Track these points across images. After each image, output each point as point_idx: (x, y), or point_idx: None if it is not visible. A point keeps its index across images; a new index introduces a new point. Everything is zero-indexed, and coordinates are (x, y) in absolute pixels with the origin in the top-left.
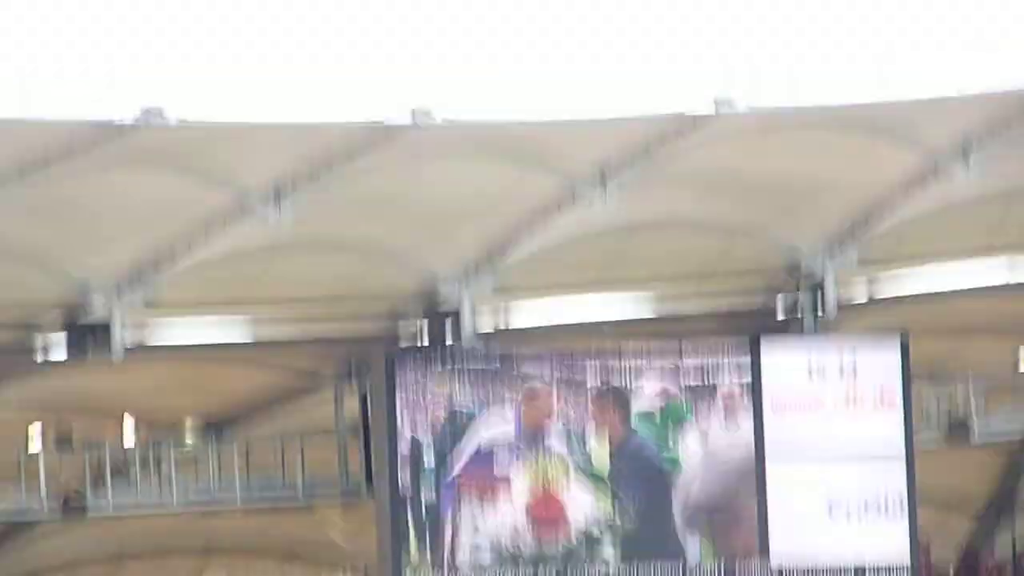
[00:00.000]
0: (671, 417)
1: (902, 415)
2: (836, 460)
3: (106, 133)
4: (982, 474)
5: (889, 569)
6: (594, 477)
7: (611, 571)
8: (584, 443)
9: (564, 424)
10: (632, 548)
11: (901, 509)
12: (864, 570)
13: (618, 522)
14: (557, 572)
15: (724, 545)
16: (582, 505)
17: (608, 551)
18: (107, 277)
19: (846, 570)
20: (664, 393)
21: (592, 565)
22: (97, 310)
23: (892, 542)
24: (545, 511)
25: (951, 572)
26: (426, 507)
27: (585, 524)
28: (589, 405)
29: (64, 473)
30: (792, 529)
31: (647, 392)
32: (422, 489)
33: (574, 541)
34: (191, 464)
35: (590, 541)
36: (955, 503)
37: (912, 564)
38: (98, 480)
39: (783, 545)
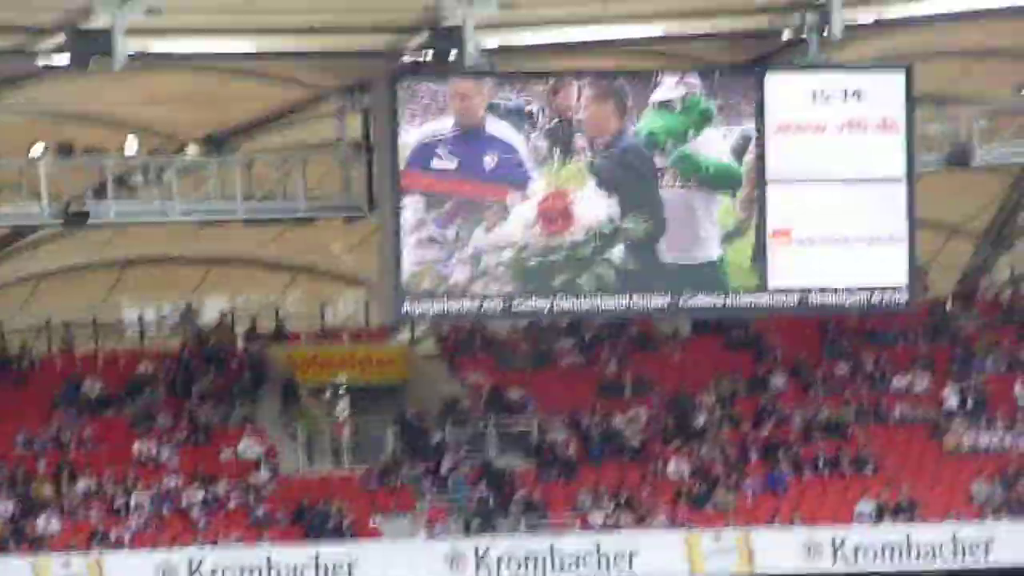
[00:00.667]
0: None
1: (904, 139)
2: (837, 182)
3: None
4: (983, 200)
5: (885, 289)
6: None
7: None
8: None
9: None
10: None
11: (901, 232)
12: (860, 291)
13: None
14: (561, 270)
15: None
16: (593, 207)
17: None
18: None
19: (842, 291)
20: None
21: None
22: (100, 17)
23: (890, 265)
24: (554, 209)
25: (949, 297)
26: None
27: (596, 224)
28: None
29: (66, 181)
30: (791, 249)
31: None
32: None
33: (582, 239)
34: (193, 177)
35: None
36: (955, 228)
37: (909, 287)
38: (100, 189)
39: (781, 264)
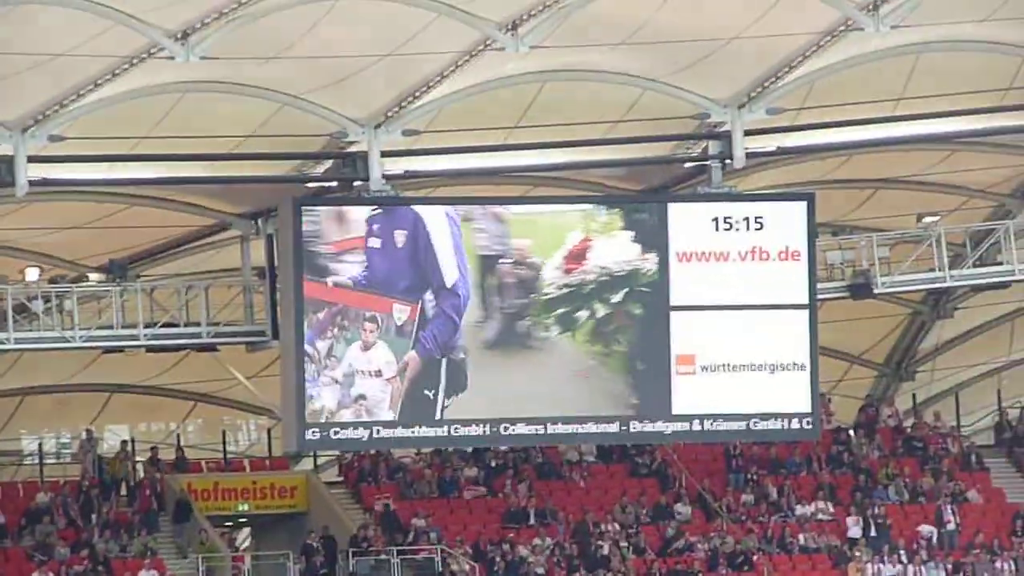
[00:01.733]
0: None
1: (806, 267)
2: (740, 309)
3: None
4: (885, 328)
5: (789, 417)
6: None
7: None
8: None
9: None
10: None
11: (803, 360)
12: (763, 418)
13: None
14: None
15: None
16: None
17: None
18: (13, 112)
19: (746, 417)
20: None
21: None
22: (1, 144)
23: (793, 392)
24: None
25: (852, 424)
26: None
27: None
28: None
29: None
30: (695, 376)
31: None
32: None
33: None
34: (94, 304)
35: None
36: (857, 356)
37: (812, 414)
38: (0, 316)
39: (686, 392)
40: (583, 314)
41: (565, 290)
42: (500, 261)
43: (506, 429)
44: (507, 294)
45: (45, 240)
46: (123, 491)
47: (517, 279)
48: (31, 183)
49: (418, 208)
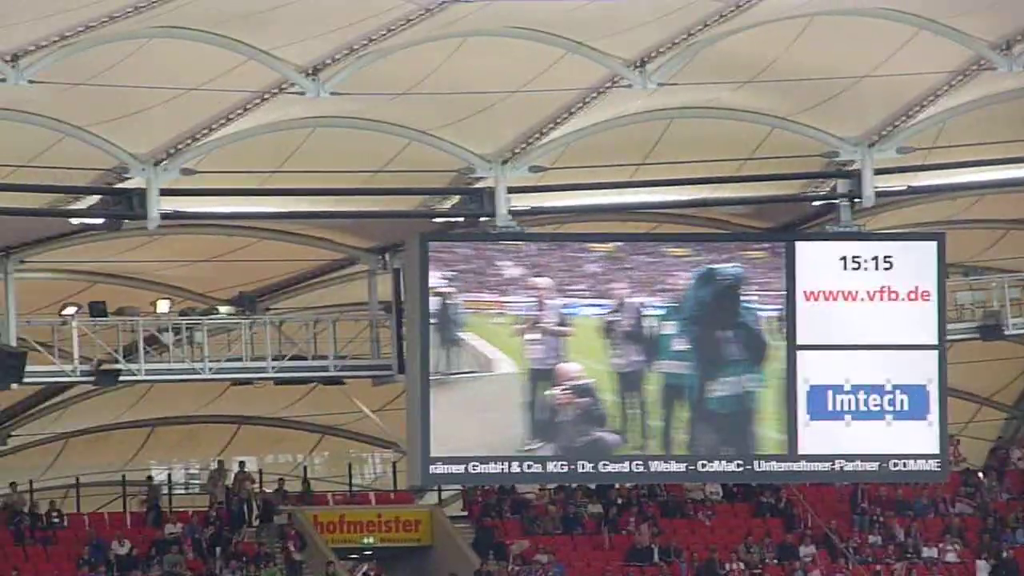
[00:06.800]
0: None
1: (936, 308)
2: (868, 350)
3: (149, 2)
4: (1015, 370)
5: (916, 460)
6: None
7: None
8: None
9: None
10: None
11: (932, 402)
12: (891, 461)
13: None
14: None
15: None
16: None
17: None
18: (145, 145)
19: (872, 458)
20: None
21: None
22: (135, 178)
23: (921, 435)
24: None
25: (982, 466)
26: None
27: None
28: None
29: (97, 340)
30: (819, 419)
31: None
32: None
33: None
34: (223, 336)
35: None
36: (987, 398)
37: (941, 457)
38: (131, 348)
39: (811, 432)
40: None
41: None
42: None
43: (648, 466)
44: None
45: (176, 273)
46: (251, 521)
47: None
48: (163, 216)
49: None
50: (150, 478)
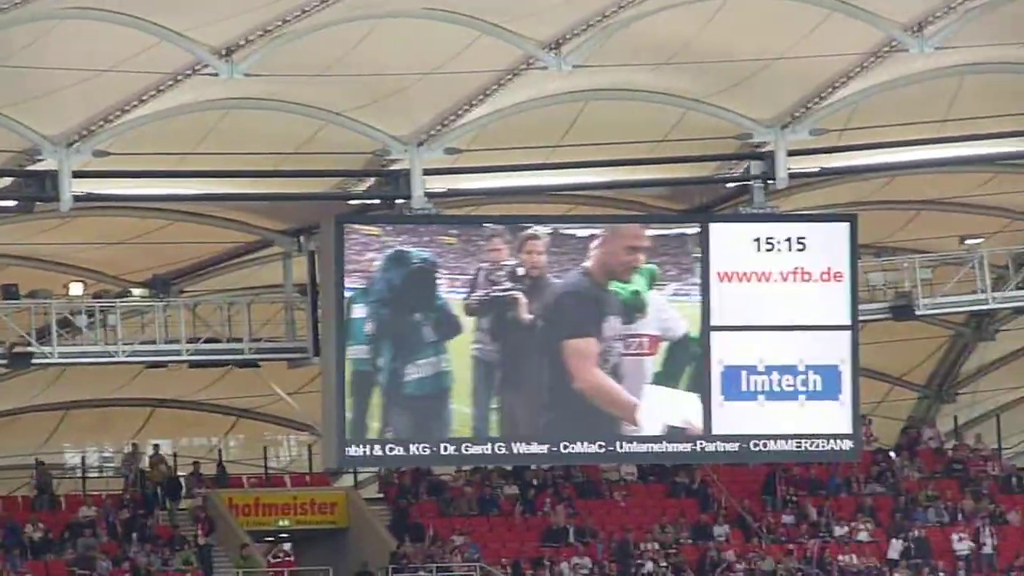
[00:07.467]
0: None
1: (848, 289)
2: (781, 331)
3: None
4: (926, 350)
5: (829, 440)
6: None
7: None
8: None
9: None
10: None
11: (844, 382)
12: (805, 440)
13: None
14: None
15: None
16: None
17: None
18: (57, 127)
19: (786, 438)
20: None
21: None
22: (47, 160)
23: (834, 415)
24: None
25: (894, 445)
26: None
27: None
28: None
29: (9, 323)
30: (734, 399)
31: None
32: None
33: None
34: (137, 319)
35: None
36: (898, 378)
37: (854, 437)
38: (44, 331)
39: (725, 413)
40: None
41: None
42: None
43: (566, 448)
44: None
45: (89, 255)
46: (165, 504)
47: None
48: (75, 198)
49: None
50: (40, 462)
